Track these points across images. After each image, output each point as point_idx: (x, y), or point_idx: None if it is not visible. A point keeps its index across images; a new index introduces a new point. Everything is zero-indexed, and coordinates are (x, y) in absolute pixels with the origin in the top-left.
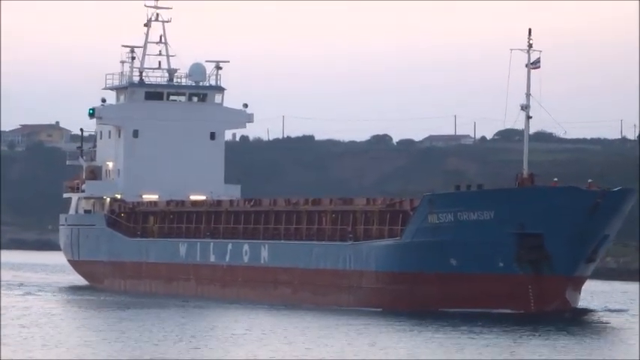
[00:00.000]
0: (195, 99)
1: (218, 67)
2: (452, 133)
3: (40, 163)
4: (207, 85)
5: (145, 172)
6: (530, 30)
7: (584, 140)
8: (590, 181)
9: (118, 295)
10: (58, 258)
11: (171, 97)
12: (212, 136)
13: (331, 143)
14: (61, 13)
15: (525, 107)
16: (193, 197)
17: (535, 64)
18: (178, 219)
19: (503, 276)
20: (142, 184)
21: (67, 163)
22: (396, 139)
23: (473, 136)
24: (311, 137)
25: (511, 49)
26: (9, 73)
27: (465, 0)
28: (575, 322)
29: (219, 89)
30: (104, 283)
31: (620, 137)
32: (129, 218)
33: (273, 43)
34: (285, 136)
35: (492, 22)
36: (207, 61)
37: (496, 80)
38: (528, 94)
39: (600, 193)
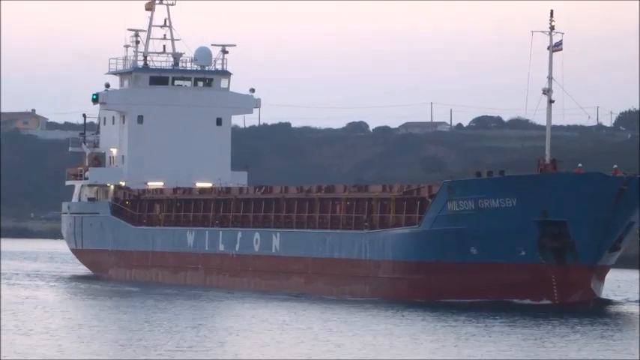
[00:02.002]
0: (200, 84)
1: (224, 51)
2: (428, 120)
3: (17, 150)
4: (213, 69)
5: (150, 159)
6: (552, 12)
7: (560, 127)
8: (615, 166)
9: (144, 286)
10: (38, 245)
11: (177, 82)
12: (218, 121)
13: (308, 130)
14: None
15: (547, 91)
16: (199, 184)
17: (557, 47)
18: (185, 207)
19: (526, 265)
20: (147, 171)
21: (70, 149)
22: (372, 127)
23: (449, 123)
24: (287, 124)
25: (532, 32)
26: None
27: None
28: (601, 313)
29: (226, 74)
30: (109, 273)
31: (596, 124)
32: (134, 206)
33: (251, 29)
34: (262, 123)
35: (467, 9)
36: (212, 45)
37: (473, 67)
38: (550, 78)
39: (626, 180)
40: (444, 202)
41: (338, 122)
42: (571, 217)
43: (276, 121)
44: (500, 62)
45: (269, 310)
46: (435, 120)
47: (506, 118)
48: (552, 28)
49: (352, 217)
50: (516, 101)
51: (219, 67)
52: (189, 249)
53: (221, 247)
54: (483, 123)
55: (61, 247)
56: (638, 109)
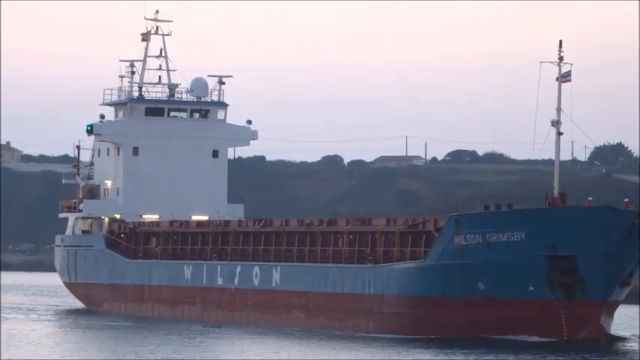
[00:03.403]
0: (197, 115)
1: (221, 82)
2: (403, 154)
3: None
4: (210, 100)
5: (145, 191)
6: (560, 42)
7: (535, 161)
8: (626, 200)
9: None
10: (15, 278)
11: (172, 113)
12: (215, 153)
13: (282, 164)
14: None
15: (556, 123)
16: (196, 217)
17: (565, 77)
18: (183, 240)
19: (534, 301)
20: (142, 203)
21: (64, 181)
22: (347, 160)
23: (424, 157)
24: (262, 158)
25: (541, 62)
26: None
27: (409, 16)
28: (613, 350)
29: (222, 105)
30: (103, 307)
31: (570, 158)
32: (129, 239)
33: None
34: (237, 156)
35: (443, 42)
36: (209, 76)
37: (449, 100)
38: (559, 109)
39: (637, 214)
40: (450, 236)
41: (313, 155)
42: (581, 251)
43: (250, 154)
44: (477, 95)
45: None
46: (409, 154)
47: (481, 152)
48: (561, 58)
49: (355, 251)
50: (492, 135)
51: (215, 98)
52: (186, 283)
53: (219, 281)
54: (458, 157)
55: (39, 279)
56: (612, 143)
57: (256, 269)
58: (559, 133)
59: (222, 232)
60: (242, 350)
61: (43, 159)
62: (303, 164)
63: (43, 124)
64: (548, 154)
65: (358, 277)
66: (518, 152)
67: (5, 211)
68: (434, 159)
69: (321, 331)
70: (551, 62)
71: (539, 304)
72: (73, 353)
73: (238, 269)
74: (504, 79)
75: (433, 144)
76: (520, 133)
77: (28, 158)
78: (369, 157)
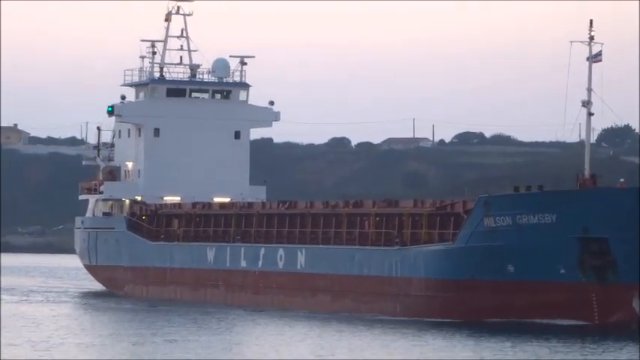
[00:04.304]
0: (218, 96)
1: (243, 63)
2: (411, 135)
3: None
4: (232, 81)
5: (166, 173)
6: (591, 21)
7: (542, 143)
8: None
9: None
10: (17, 259)
11: (194, 94)
12: (237, 135)
13: (289, 146)
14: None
15: (587, 103)
16: (217, 199)
17: (596, 57)
18: (205, 222)
19: (565, 284)
20: (163, 185)
21: (84, 163)
22: (354, 142)
23: (431, 139)
24: (269, 140)
25: (571, 42)
26: None
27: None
28: None
29: (244, 86)
30: (124, 290)
31: (578, 140)
32: (151, 221)
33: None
34: None
35: (450, 22)
36: (231, 56)
37: (456, 82)
38: (590, 89)
39: None
40: (480, 218)
41: (320, 138)
42: (613, 233)
43: (257, 137)
44: (485, 78)
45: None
46: (417, 136)
47: (488, 134)
48: (592, 38)
49: (382, 233)
50: (499, 118)
51: (237, 79)
52: (209, 265)
53: (243, 264)
54: (465, 139)
55: (49, 260)
56: (620, 126)
57: (281, 251)
58: (589, 114)
59: (245, 214)
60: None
61: (50, 141)
62: (310, 146)
63: (50, 106)
64: (555, 135)
65: (385, 259)
66: (526, 135)
67: (12, 193)
68: (441, 141)
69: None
70: (581, 42)
71: (570, 288)
72: (104, 338)
73: (262, 251)
74: (518, 62)
75: (440, 126)
76: (530, 116)
77: (35, 140)
78: (376, 139)
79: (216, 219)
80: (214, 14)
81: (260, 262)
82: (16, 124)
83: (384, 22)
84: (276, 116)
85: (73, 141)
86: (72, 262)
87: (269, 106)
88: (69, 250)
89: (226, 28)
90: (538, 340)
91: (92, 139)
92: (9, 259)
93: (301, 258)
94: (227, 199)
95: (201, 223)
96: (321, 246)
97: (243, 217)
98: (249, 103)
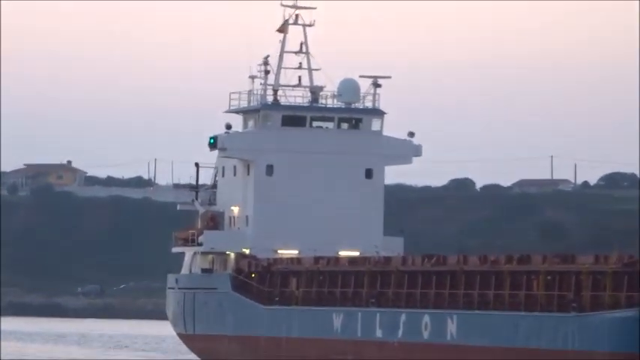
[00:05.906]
0: (346, 125)
1: (376, 85)
2: (548, 177)
3: (49, 210)
4: (362, 107)
5: (281, 221)
6: None
7: None
8: None
9: None
10: (71, 325)
11: (316, 123)
12: (368, 173)
13: (401, 189)
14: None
15: None
16: (344, 253)
17: None
18: (331, 281)
19: None
20: (277, 235)
21: (178, 208)
22: (479, 184)
23: (573, 180)
24: None
25: None
26: (9, 103)
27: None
28: None
29: (378, 113)
30: None
31: None
32: (262, 280)
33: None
34: None
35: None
36: (361, 76)
37: (603, 113)
38: None
39: None
40: None
41: (438, 179)
42: None
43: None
44: (635, 109)
45: None
46: (555, 177)
47: None
48: None
49: (554, 296)
50: None
51: (369, 104)
52: (336, 335)
53: (379, 333)
54: (614, 181)
55: (112, 327)
56: None
57: (426, 318)
58: None
59: (381, 271)
60: None
61: (110, 181)
62: (425, 189)
63: (110, 142)
64: None
65: (559, 328)
66: None
67: (65, 243)
68: (585, 183)
69: None
70: None
71: None
72: None
73: (403, 318)
74: None
75: (583, 165)
76: None
77: (92, 180)
78: (506, 182)
79: (344, 277)
80: (341, 23)
81: (400, 332)
82: (70, 161)
83: (527, 40)
84: (417, 151)
85: (138, 181)
86: (137, 328)
87: (408, 138)
88: (132, 313)
89: (356, 41)
90: None
91: (162, 180)
92: (62, 325)
93: (452, 326)
94: (357, 253)
95: (326, 282)
96: (477, 311)
97: (379, 275)
98: (383, 134)
